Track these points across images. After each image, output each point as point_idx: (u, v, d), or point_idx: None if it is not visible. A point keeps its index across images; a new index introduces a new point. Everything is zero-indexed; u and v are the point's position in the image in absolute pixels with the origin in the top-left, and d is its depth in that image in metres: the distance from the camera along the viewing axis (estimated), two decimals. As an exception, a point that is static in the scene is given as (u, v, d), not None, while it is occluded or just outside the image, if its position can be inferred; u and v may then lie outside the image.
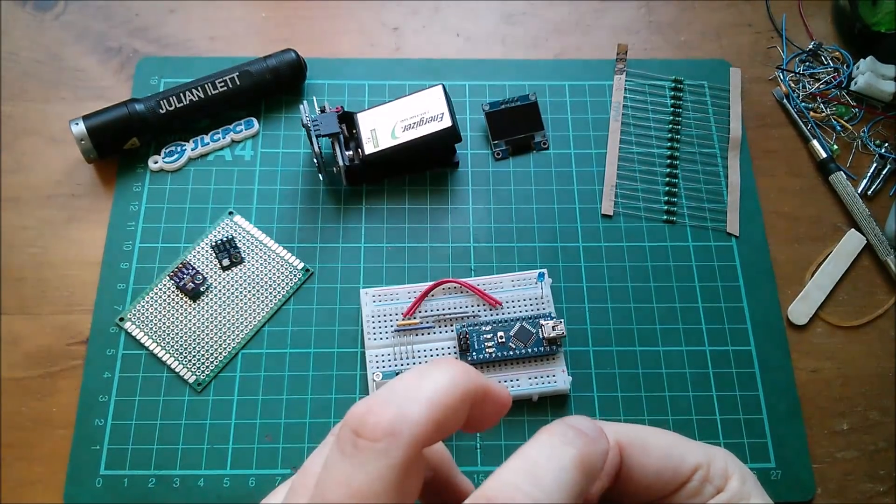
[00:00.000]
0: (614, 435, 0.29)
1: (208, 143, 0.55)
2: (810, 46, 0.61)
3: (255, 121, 0.56)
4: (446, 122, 0.52)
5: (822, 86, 0.59)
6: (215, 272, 0.51)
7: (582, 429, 0.23)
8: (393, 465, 0.19)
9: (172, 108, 0.54)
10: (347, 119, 0.53)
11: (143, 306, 0.50)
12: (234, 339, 0.50)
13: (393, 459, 0.19)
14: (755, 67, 0.60)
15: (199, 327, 0.50)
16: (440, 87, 0.53)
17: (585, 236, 0.54)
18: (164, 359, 0.49)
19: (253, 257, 0.52)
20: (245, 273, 0.52)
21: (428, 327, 0.49)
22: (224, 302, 0.51)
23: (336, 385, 0.48)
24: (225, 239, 0.52)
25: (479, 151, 0.56)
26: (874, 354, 0.51)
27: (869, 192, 0.56)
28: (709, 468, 0.30)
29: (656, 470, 0.30)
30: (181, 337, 0.50)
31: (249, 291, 0.51)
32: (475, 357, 0.47)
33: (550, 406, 0.48)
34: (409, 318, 0.49)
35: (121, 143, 0.54)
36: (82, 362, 0.49)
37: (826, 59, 0.61)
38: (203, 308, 0.50)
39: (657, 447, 0.30)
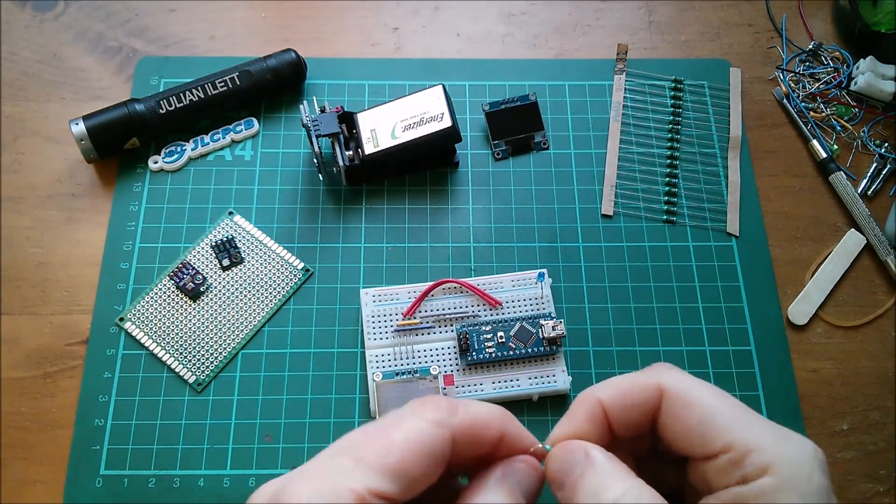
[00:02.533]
0: (659, 378, 0.30)
1: (208, 143, 0.55)
2: (810, 46, 0.61)
3: (255, 121, 0.56)
4: (446, 122, 0.52)
5: (822, 86, 0.59)
6: (215, 272, 0.51)
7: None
8: (435, 432, 0.25)
9: (172, 108, 0.54)
10: (347, 119, 0.53)
11: (143, 306, 0.50)
12: (234, 339, 0.50)
13: (437, 427, 0.25)
14: (755, 67, 0.60)
15: (199, 327, 0.50)
16: (440, 87, 0.53)
17: (585, 236, 0.53)
18: (164, 359, 0.49)
19: (253, 257, 0.52)
20: (245, 273, 0.52)
21: (428, 327, 0.49)
22: (224, 302, 0.51)
23: (336, 385, 0.48)
24: (225, 239, 0.52)
25: (479, 151, 0.56)
26: (874, 354, 0.51)
27: (869, 192, 0.56)
28: (745, 454, 0.28)
29: (686, 429, 0.29)
30: (181, 337, 0.50)
31: (249, 291, 0.51)
32: (475, 357, 0.47)
33: (550, 406, 0.48)
34: (409, 318, 0.49)
35: (121, 143, 0.54)
36: (82, 362, 0.49)
37: (826, 59, 0.61)
38: (203, 308, 0.50)
39: (700, 409, 0.29)
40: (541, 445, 0.28)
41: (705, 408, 0.29)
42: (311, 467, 0.24)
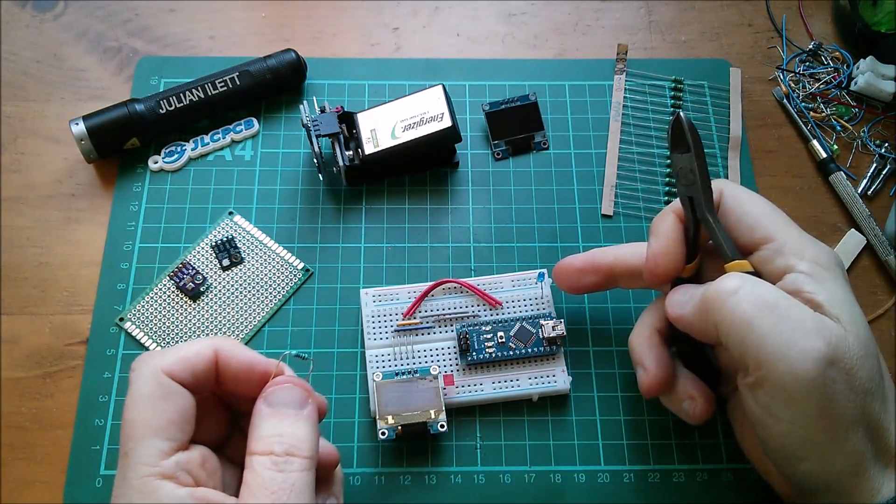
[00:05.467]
0: (720, 184, 0.41)
1: (208, 143, 0.55)
2: (810, 46, 0.61)
3: (255, 121, 0.56)
4: (446, 122, 0.52)
5: (822, 86, 0.59)
6: (215, 272, 0.51)
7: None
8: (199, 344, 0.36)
9: (172, 108, 0.54)
10: (347, 119, 0.53)
11: (143, 306, 0.50)
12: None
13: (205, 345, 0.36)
14: (755, 67, 0.60)
15: (199, 327, 0.50)
16: (440, 87, 0.53)
17: (585, 236, 0.53)
18: (164, 359, 0.49)
19: (253, 257, 0.52)
20: (245, 273, 0.52)
21: (428, 327, 0.49)
22: (224, 302, 0.51)
23: (336, 385, 0.48)
24: (225, 239, 0.52)
25: (479, 151, 0.56)
26: (874, 354, 0.51)
27: (869, 192, 0.56)
28: (784, 244, 0.38)
29: (736, 220, 0.40)
30: (181, 337, 0.50)
31: (249, 291, 0.51)
32: (475, 357, 0.47)
33: (550, 406, 0.48)
34: (409, 318, 0.49)
35: (121, 143, 0.54)
36: (82, 362, 0.49)
37: (826, 59, 0.61)
38: (203, 308, 0.50)
39: (750, 209, 0.40)
40: (278, 363, 0.37)
41: (755, 210, 0.39)
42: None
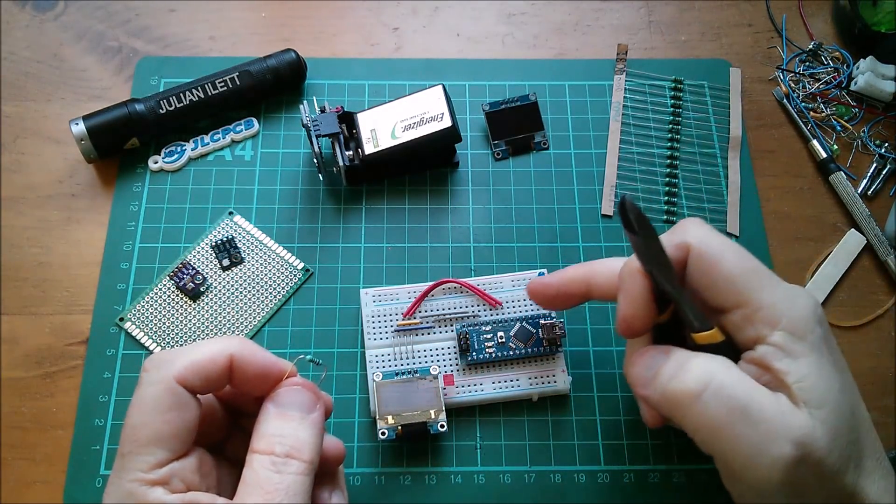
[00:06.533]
0: (685, 236, 0.36)
1: (208, 143, 0.55)
2: (810, 46, 0.61)
3: (255, 121, 0.56)
4: (446, 122, 0.52)
5: (822, 86, 0.59)
6: (215, 272, 0.51)
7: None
8: (215, 346, 0.35)
9: (172, 108, 0.54)
10: (347, 119, 0.53)
11: (143, 306, 0.50)
12: (234, 339, 0.50)
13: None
14: (755, 67, 0.60)
15: (199, 327, 0.50)
16: (440, 87, 0.53)
17: (585, 236, 0.54)
18: (164, 359, 0.49)
19: (253, 257, 0.52)
20: (245, 273, 0.52)
21: (428, 327, 0.49)
22: (224, 302, 0.51)
23: (336, 385, 0.48)
24: (225, 239, 0.52)
25: (479, 151, 0.56)
26: (874, 354, 0.51)
27: (869, 192, 0.56)
28: (756, 311, 0.34)
29: (707, 284, 0.36)
30: (181, 337, 0.50)
31: (249, 291, 0.51)
32: (475, 357, 0.47)
33: (550, 406, 0.48)
34: (409, 318, 0.49)
35: (121, 143, 0.54)
36: (82, 362, 0.49)
37: (826, 59, 0.61)
38: (203, 308, 0.50)
39: (720, 266, 0.35)
40: (292, 366, 0.37)
41: (725, 267, 0.35)
42: None
